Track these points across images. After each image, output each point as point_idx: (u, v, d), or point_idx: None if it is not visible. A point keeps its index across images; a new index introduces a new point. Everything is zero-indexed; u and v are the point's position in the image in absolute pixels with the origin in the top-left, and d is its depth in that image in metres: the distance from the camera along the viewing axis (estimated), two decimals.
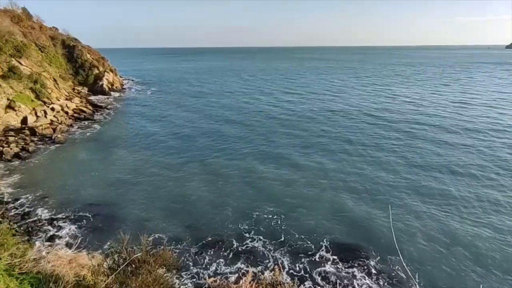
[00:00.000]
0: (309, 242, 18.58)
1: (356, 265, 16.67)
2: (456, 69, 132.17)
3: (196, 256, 17.34)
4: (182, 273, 15.83)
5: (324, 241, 18.62)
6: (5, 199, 23.32)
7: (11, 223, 19.58)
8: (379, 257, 17.14)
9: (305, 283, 15.45)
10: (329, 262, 16.87)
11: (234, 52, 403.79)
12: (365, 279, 15.69)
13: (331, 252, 17.67)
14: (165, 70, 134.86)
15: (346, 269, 16.38)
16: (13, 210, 22.05)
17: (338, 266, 16.63)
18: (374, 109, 53.14)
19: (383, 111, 51.79)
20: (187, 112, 54.15)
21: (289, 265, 16.73)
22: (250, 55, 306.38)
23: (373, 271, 16.24)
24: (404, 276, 15.64)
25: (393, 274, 15.95)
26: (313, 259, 17.19)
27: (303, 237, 19.12)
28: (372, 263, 16.78)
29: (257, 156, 32.47)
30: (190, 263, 16.78)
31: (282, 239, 18.96)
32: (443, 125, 43.15)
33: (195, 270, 16.21)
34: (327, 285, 15.41)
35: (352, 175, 27.53)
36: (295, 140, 37.96)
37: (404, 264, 16.29)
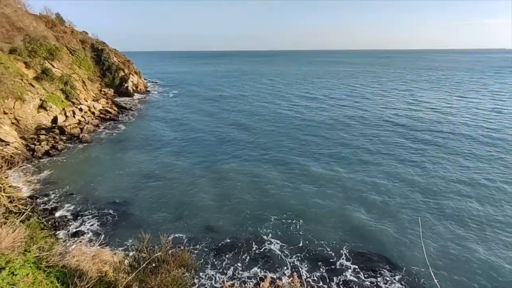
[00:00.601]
0: (328, 249, 18.19)
1: (379, 275, 16.07)
2: (486, 74, 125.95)
3: (214, 258, 17.41)
4: (200, 274, 15.92)
5: (344, 249, 18.16)
6: (35, 194, 24.52)
7: (39, 218, 20.51)
8: (405, 269, 16.43)
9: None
10: (350, 271, 16.41)
11: (254, 56, 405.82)
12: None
13: (351, 261, 17.18)
14: (186, 73, 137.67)
15: (369, 279, 15.83)
16: (42, 205, 23.12)
17: (359, 275, 16.13)
18: (397, 116, 51.27)
19: (406, 119, 49.66)
20: (206, 115, 54.87)
21: (308, 272, 16.43)
22: (269, 59, 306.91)
23: (399, 283, 15.54)
24: None
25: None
26: (332, 267, 16.79)
27: (322, 243, 18.75)
28: (397, 275, 16.07)
29: (275, 162, 32.28)
30: (208, 265, 16.87)
31: (300, 244, 18.68)
32: (472, 135, 40.23)
33: (212, 272, 16.27)
34: None
35: (374, 185, 26.52)
36: (315, 147, 37.45)
37: (436, 280, 15.42)
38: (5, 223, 9.95)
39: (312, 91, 79.29)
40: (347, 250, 18.00)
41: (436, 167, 30.11)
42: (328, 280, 15.87)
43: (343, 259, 17.35)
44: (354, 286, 15.52)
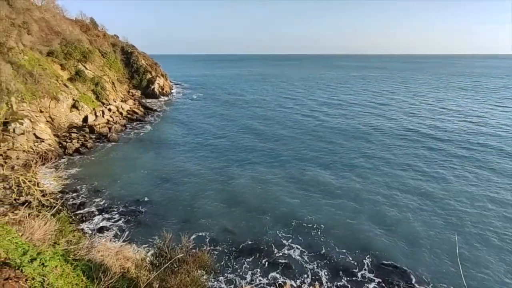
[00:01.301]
0: (350, 258, 17.66)
1: None
2: None
3: (233, 261, 17.42)
4: (219, 277, 15.97)
5: (367, 259, 17.56)
6: (65, 190, 25.73)
7: (68, 212, 21.47)
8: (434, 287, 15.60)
9: None
10: (373, 284, 15.80)
11: (277, 60, 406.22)
12: None
13: (374, 273, 16.54)
14: (210, 76, 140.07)
15: None
16: (71, 200, 24.22)
17: (378, 284, 15.52)
18: (424, 126, 48.88)
19: (437, 130, 47.04)
20: (229, 117, 55.45)
21: (328, 281, 16.01)
22: (293, 63, 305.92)
23: None
24: None
25: None
26: (354, 278, 16.25)
27: (344, 251, 18.27)
28: None
29: (294, 169, 31.86)
30: (227, 267, 16.90)
31: (322, 251, 18.30)
32: (507, 149, 37.26)
33: (231, 276, 16.27)
34: None
35: (401, 197, 25.34)
36: (336, 155, 36.65)
37: None
38: (37, 216, 10.46)
39: (334, 97, 77.83)
40: (370, 261, 17.39)
41: (467, 182, 28.38)
42: None
43: (365, 270, 16.78)
44: None
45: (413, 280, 16.06)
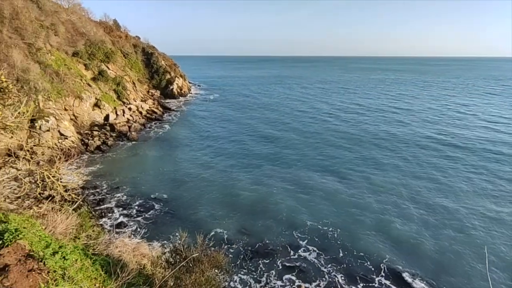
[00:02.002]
0: (368, 263, 17.26)
1: None
2: None
3: (249, 262, 17.40)
4: (233, 277, 15.98)
5: (385, 265, 17.08)
6: (86, 186, 26.56)
7: (89, 207, 22.15)
8: None
9: None
10: None
11: (295, 62, 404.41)
12: None
13: (391, 280, 16.07)
14: (228, 77, 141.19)
15: None
16: (91, 196, 24.97)
17: None
18: (446, 135, 47.48)
19: (461, 139, 45.63)
20: (246, 118, 55.62)
21: (345, 285, 15.67)
22: (311, 64, 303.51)
23: None
24: None
25: None
26: (370, 284, 15.84)
27: (361, 255, 17.91)
28: None
29: (310, 170, 31.56)
30: (242, 268, 16.89)
31: (338, 255, 18.01)
32: None
33: (245, 277, 16.24)
34: None
35: (425, 204, 24.53)
36: (355, 160, 36.03)
37: None
38: (60, 210, 10.83)
39: (351, 101, 76.30)
40: (388, 268, 16.89)
41: (494, 199, 27.18)
42: None
43: (382, 276, 16.32)
44: None
45: None
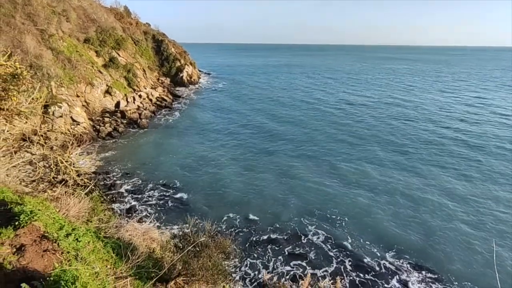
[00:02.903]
0: (374, 251, 17.41)
1: None
2: None
3: (257, 247, 17.74)
4: (241, 263, 16.31)
5: (393, 255, 17.15)
6: (97, 171, 27.19)
7: (100, 192, 22.71)
8: None
9: None
10: (396, 279, 15.45)
11: (308, 50, 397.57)
12: None
13: (401, 270, 16.16)
14: (237, 65, 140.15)
15: None
16: (102, 181, 25.58)
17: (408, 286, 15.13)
18: (464, 132, 46.18)
19: (473, 136, 44.19)
20: (254, 106, 55.45)
21: (351, 274, 15.88)
22: (324, 53, 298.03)
23: None
24: None
25: None
26: (377, 272, 15.97)
27: (368, 243, 18.08)
28: None
29: (323, 158, 31.57)
30: (250, 253, 17.22)
31: (345, 243, 18.22)
32: None
33: (254, 262, 16.56)
34: None
35: (436, 195, 24.34)
36: (364, 150, 35.70)
37: None
38: (72, 194, 11.15)
39: (362, 91, 75.12)
40: (394, 256, 16.98)
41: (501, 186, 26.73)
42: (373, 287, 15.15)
43: (391, 265, 16.40)
44: None
45: (438, 280, 15.48)
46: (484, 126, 43.42)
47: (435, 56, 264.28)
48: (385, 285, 15.25)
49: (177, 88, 68.37)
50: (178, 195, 23.71)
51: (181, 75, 73.55)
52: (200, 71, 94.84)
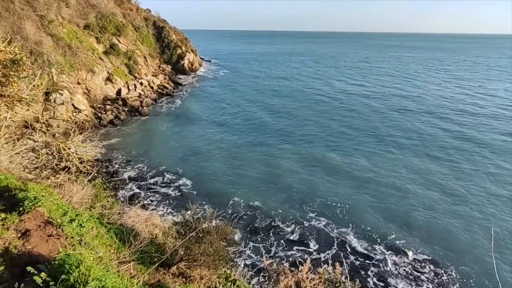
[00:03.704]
0: (375, 237, 17.63)
1: (429, 280, 15.09)
2: None
3: (257, 233, 18.01)
4: (242, 249, 16.60)
5: (392, 240, 17.39)
6: (99, 158, 27.34)
7: (103, 179, 22.92)
8: (458, 278, 15.25)
9: (368, 283, 14.72)
10: (395, 266, 15.72)
11: (312, 37, 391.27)
12: None
13: (399, 255, 16.46)
14: (239, 52, 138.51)
15: (415, 283, 14.94)
16: (105, 168, 25.77)
17: (406, 273, 15.40)
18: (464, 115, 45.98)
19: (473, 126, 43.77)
20: (256, 95, 55.13)
21: (351, 259, 16.17)
22: (328, 40, 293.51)
23: None
24: None
25: None
26: (377, 258, 16.24)
27: (369, 229, 18.37)
28: (452, 285, 14.90)
29: (325, 146, 31.65)
30: (250, 239, 17.49)
31: (345, 229, 18.50)
32: None
33: (253, 247, 16.84)
34: None
35: (433, 182, 24.49)
36: (364, 138, 35.64)
37: None
38: (75, 181, 11.27)
39: (366, 81, 74.36)
40: (395, 245, 17.21)
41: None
42: (372, 273, 15.42)
43: (389, 252, 16.65)
44: (399, 283, 14.85)
45: (442, 269, 15.74)
46: (485, 118, 43.09)
47: (437, 43, 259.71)
48: (384, 270, 15.51)
49: (178, 76, 67.87)
50: (180, 182, 23.91)
51: (182, 62, 72.86)
52: (201, 58, 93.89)
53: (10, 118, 10.86)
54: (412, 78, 75.65)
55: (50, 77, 33.95)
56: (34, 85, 11.03)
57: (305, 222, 19.17)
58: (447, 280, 15.16)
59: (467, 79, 74.11)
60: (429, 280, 15.09)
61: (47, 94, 32.07)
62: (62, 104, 33.17)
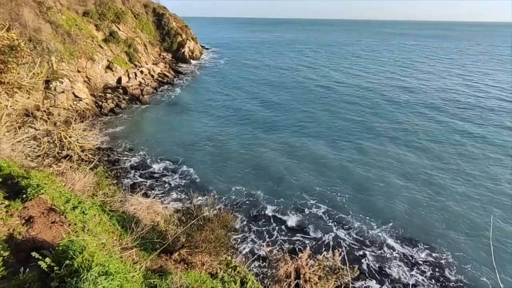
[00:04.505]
0: (374, 225, 17.86)
1: (427, 267, 15.33)
2: None
3: (258, 221, 18.24)
4: (243, 236, 16.84)
5: (391, 228, 17.61)
6: (101, 147, 27.44)
7: (104, 167, 23.06)
8: (455, 264, 15.52)
9: (364, 271, 14.98)
10: (393, 252, 15.97)
11: (315, 24, 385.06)
12: (435, 285, 14.36)
13: (397, 244, 16.71)
14: (241, 40, 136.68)
15: (412, 269, 15.22)
16: (106, 157, 25.89)
17: (403, 259, 15.66)
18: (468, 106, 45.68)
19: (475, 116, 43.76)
20: (256, 84, 54.73)
21: (350, 246, 16.42)
22: (331, 28, 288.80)
23: (450, 280, 14.65)
24: None
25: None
26: (376, 245, 16.49)
27: (368, 218, 18.57)
28: (450, 270, 15.16)
29: (324, 136, 31.63)
30: (251, 227, 17.73)
31: (345, 217, 18.76)
32: None
33: (254, 235, 17.08)
34: (389, 279, 14.68)
35: (438, 170, 24.61)
36: (371, 125, 35.55)
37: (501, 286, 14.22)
38: (77, 169, 11.35)
39: (368, 69, 73.63)
40: (394, 232, 17.44)
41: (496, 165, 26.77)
42: (370, 260, 15.67)
43: (390, 241, 16.87)
44: (395, 271, 15.12)
45: (438, 257, 15.97)
46: (484, 107, 42.81)
47: (439, 31, 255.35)
48: (383, 257, 15.76)
49: (178, 64, 67.26)
50: (181, 170, 24.06)
51: (182, 50, 72.04)
52: (202, 46, 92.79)
53: (11, 106, 10.86)
54: (410, 66, 74.86)
55: (50, 65, 33.71)
56: (34, 73, 10.98)
57: (305, 210, 19.39)
58: (444, 266, 15.42)
59: (472, 69, 73.26)
60: (426, 266, 15.34)
61: (47, 82, 31.93)
62: (63, 92, 33.05)
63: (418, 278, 14.69)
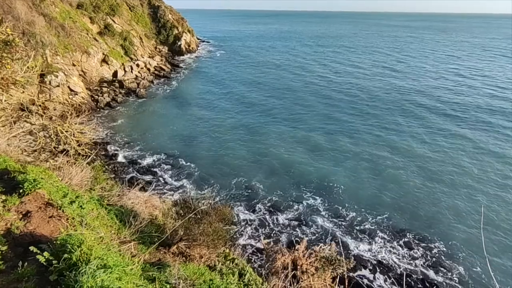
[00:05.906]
0: (369, 217, 18.09)
1: (421, 256, 15.65)
2: None
3: (255, 213, 18.37)
4: (241, 229, 16.96)
5: (385, 222, 17.82)
6: (98, 141, 27.33)
7: (102, 161, 23.01)
8: (447, 253, 15.83)
9: (360, 261, 15.20)
10: (387, 243, 16.22)
11: (311, 16, 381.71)
12: (428, 274, 14.66)
13: (392, 234, 16.96)
14: (237, 33, 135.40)
15: (407, 259, 15.47)
16: (104, 151, 25.81)
17: (397, 250, 15.93)
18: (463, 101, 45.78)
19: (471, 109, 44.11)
20: (253, 76, 54.43)
21: (346, 238, 16.62)
22: (327, 20, 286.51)
23: (443, 268, 14.99)
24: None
25: (474, 276, 14.52)
26: (371, 236, 16.71)
27: (363, 210, 18.79)
28: (444, 260, 15.46)
29: (321, 128, 31.67)
30: (249, 220, 17.84)
31: (341, 209, 18.94)
32: None
33: (251, 227, 17.22)
34: (384, 269, 14.92)
35: (432, 161, 24.90)
36: (369, 118, 35.60)
37: (492, 274, 14.54)
38: (74, 163, 11.32)
39: (364, 59, 73.43)
40: (388, 224, 17.64)
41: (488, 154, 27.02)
42: (365, 250, 15.90)
43: (385, 232, 17.10)
44: (389, 261, 15.35)
45: (431, 247, 16.22)
46: (478, 97, 42.97)
47: (436, 23, 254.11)
48: (378, 247, 15.97)
49: (175, 57, 66.66)
50: (179, 164, 24.07)
51: (179, 43, 71.31)
52: (198, 39, 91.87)
53: (5, 100, 10.76)
54: (410, 59, 74.69)
55: (44, 58, 33.29)
56: (28, 67, 10.87)
57: (302, 202, 19.54)
58: (437, 254, 15.69)
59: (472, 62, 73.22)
60: (420, 254, 15.60)
61: (42, 76, 31.59)
62: (58, 86, 32.72)
63: (412, 267, 14.94)
